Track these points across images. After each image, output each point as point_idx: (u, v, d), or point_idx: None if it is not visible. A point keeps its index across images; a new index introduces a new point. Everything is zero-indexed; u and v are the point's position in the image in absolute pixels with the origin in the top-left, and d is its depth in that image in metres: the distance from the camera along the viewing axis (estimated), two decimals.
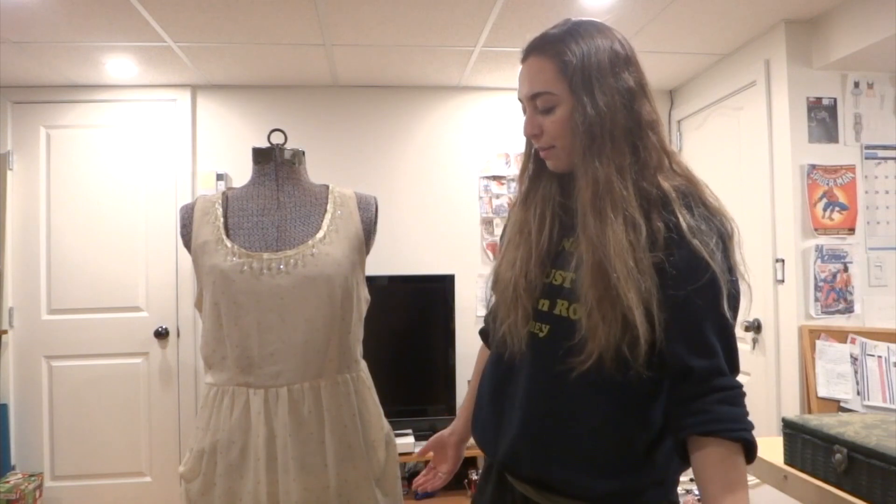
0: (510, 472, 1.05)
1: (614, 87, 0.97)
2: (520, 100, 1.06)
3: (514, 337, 1.02)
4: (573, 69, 0.97)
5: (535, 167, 1.11)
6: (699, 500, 0.97)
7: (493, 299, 1.13)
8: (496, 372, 1.10)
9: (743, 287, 0.97)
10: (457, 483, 3.02)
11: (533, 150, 1.10)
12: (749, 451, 0.90)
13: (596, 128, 0.95)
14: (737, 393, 0.92)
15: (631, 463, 0.95)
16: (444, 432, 1.33)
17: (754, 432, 0.90)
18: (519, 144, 2.76)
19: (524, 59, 1.06)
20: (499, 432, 1.06)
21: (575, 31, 1.01)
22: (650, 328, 0.90)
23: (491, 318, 1.14)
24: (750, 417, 0.92)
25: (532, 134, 1.03)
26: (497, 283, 1.09)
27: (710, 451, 0.88)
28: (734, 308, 0.96)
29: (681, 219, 0.93)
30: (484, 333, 1.29)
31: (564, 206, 1.06)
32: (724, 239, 0.95)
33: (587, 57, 0.98)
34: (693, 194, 0.96)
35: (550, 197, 1.07)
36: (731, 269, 0.94)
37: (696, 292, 0.91)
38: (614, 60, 0.99)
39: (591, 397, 0.96)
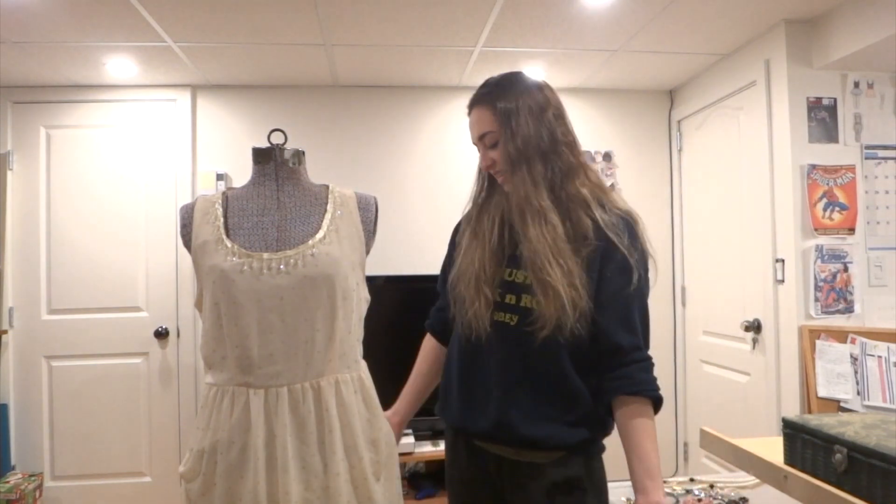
0: (491, 440, 1.29)
1: (532, 118, 1.25)
2: (474, 144, 1.35)
3: (479, 321, 1.26)
4: (500, 111, 1.26)
5: (487, 193, 1.38)
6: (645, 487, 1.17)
7: (454, 296, 1.34)
8: (463, 354, 1.33)
9: (651, 263, 1.26)
10: None
11: (485, 181, 1.38)
12: (656, 405, 1.21)
13: (514, 153, 1.25)
14: (650, 363, 1.23)
15: (593, 417, 1.24)
16: (387, 413, 1.46)
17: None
18: None
19: (469, 112, 1.35)
20: (472, 407, 1.30)
21: (501, 82, 1.31)
22: (578, 298, 1.18)
23: (456, 309, 1.34)
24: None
25: (488, 166, 1.32)
26: (461, 279, 1.32)
27: (634, 406, 1.19)
28: (646, 283, 1.25)
29: (598, 216, 1.22)
30: (431, 327, 1.53)
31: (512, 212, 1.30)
32: (630, 228, 1.24)
33: (510, 99, 1.26)
34: (604, 198, 1.26)
35: (501, 207, 1.32)
36: (639, 250, 1.23)
37: (617, 275, 1.21)
38: (532, 100, 1.27)
39: (559, 367, 1.23)
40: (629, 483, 1.20)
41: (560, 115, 1.29)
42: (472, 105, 1.33)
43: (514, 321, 1.26)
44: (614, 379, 1.20)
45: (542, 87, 1.31)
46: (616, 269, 1.21)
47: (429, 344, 1.53)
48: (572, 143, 1.29)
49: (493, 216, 1.32)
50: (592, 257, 1.21)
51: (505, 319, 1.27)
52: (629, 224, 1.24)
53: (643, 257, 1.24)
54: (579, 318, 1.18)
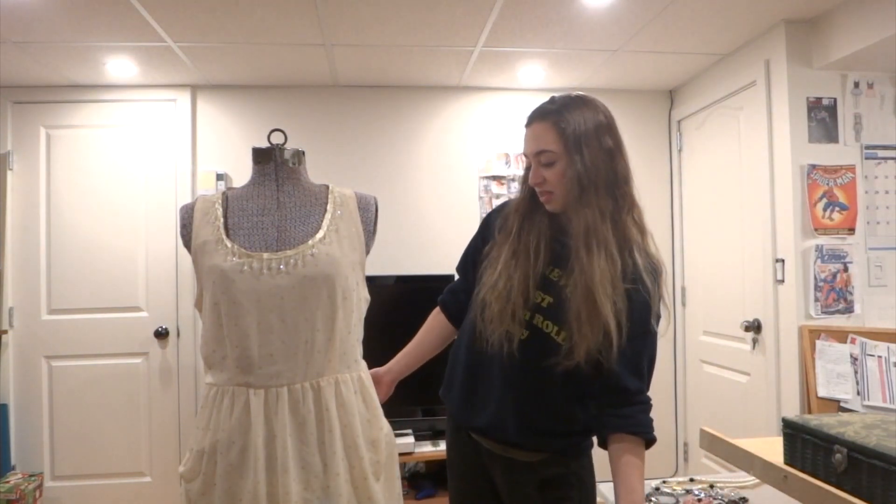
0: (483, 435, 1.38)
1: (598, 148, 1.27)
2: (525, 155, 1.35)
3: (508, 341, 1.31)
4: (568, 133, 1.26)
5: (530, 207, 1.38)
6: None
7: (480, 303, 1.37)
8: (471, 352, 1.39)
9: (664, 312, 1.34)
10: None
11: (529, 193, 1.38)
12: (648, 445, 1.28)
13: (584, 180, 1.25)
14: (650, 405, 1.31)
15: (579, 428, 1.34)
16: (380, 370, 1.54)
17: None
18: (518, 145, 2.76)
19: (529, 124, 1.34)
20: (471, 404, 1.39)
21: (569, 104, 1.30)
22: (619, 335, 1.22)
23: (478, 316, 1.36)
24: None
25: (537, 183, 1.32)
26: (491, 292, 1.34)
27: (629, 444, 1.25)
28: (657, 328, 1.31)
29: (638, 259, 1.27)
30: (444, 304, 1.58)
31: (554, 240, 1.34)
32: (657, 277, 1.30)
33: (578, 124, 1.26)
34: (641, 242, 1.30)
35: (544, 231, 1.35)
36: (658, 299, 1.29)
37: (636, 319, 1.26)
38: (598, 128, 1.28)
39: (558, 385, 1.30)
40: None
41: (621, 149, 1.31)
42: (535, 119, 1.32)
43: (525, 336, 1.31)
44: (617, 417, 1.27)
45: (609, 117, 1.31)
46: (636, 314, 1.26)
47: (437, 319, 1.59)
48: (629, 177, 1.31)
49: (537, 240, 1.34)
50: (629, 299, 1.25)
51: (517, 333, 1.32)
52: (656, 273, 1.29)
53: (659, 307, 1.30)
54: (615, 354, 1.23)
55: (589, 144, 1.26)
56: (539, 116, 1.32)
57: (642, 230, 1.32)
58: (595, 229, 1.25)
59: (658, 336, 1.32)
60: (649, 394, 1.32)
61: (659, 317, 1.31)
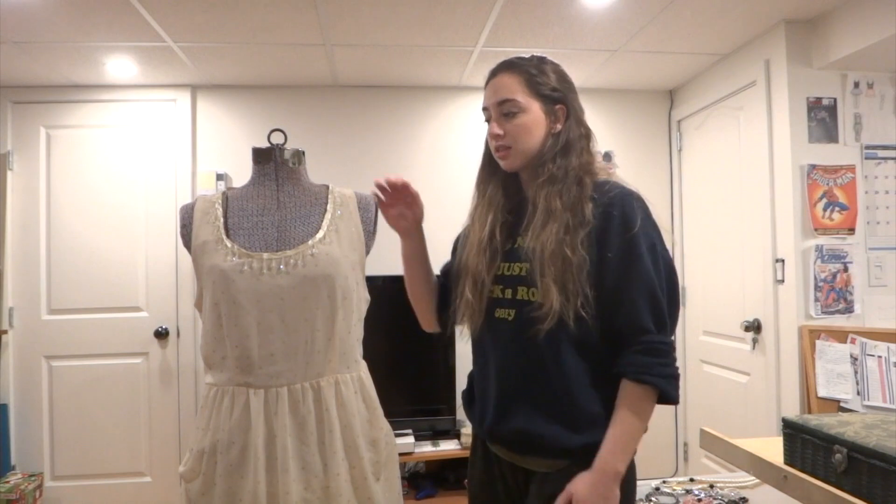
0: (496, 439, 1.25)
1: (566, 104, 1.26)
2: (485, 108, 1.29)
3: (477, 320, 1.26)
4: (537, 85, 1.25)
5: (487, 173, 1.37)
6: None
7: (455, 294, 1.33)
8: (474, 354, 1.34)
9: (656, 236, 1.18)
10: (456, 483, 3.02)
11: (487, 157, 1.35)
12: (662, 393, 1.11)
13: (550, 132, 1.24)
14: (655, 346, 1.12)
15: (597, 419, 1.15)
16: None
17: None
18: None
19: (494, 75, 1.29)
20: (477, 408, 1.30)
21: (539, 61, 1.29)
22: (589, 285, 1.13)
23: (458, 306, 1.31)
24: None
25: (496, 134, 1.25)
26: (461, 276, 1.31)
27: (622, 391, 1.13)
28: (657, 258, 1.16)
29: (596, 194, 1.18)
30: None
31: (510, 209, 1.30)
32: (629, 204, 1.17)
33: (547, 79, 1.26)
34: (610, 181, 1.22)
35: (497, 203, 1.33)
36: (641, 227, 1.15)
37: (617, 258, 1.14)
38: (564, 85, 1.29)
39: (560, 363, 1.16)
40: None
41: (580, 104, 1.31)
42: (501, 70, 1.28)
43: (512, 316, 1.22)
44: (616, 366, 1.14)
45: (565, 74, 1.33)
46: (616, 252, 1.14)
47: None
48: (590, 134, 1.29)
49: (492, 214, 1.32)
50: (591, 239, 1.15)
51: (502, 316, 1.24)
52: (630, 202, 1.17)
53: (648, 234, 1.15)
54: (582, 304, 1.12)
55: (554, 97, 1.26)
56: (506, 67, 1.27)
57: (608, 173, 1.26)
58: (552, 180, 1.20)
59: (660, 266, 1.16)
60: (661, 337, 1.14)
61: (650, 245, 1.15)
